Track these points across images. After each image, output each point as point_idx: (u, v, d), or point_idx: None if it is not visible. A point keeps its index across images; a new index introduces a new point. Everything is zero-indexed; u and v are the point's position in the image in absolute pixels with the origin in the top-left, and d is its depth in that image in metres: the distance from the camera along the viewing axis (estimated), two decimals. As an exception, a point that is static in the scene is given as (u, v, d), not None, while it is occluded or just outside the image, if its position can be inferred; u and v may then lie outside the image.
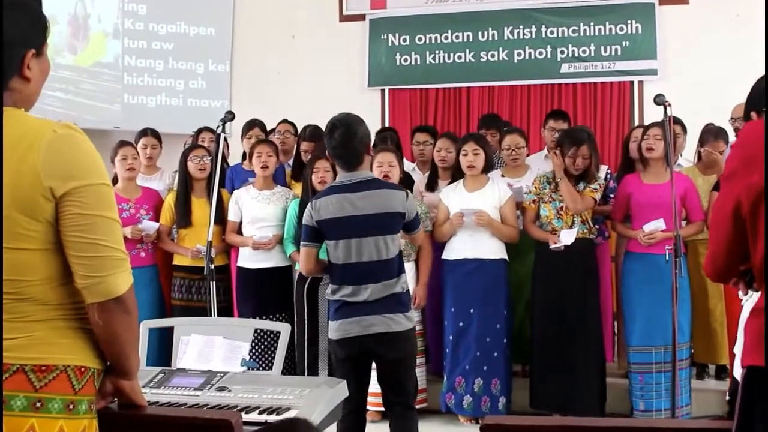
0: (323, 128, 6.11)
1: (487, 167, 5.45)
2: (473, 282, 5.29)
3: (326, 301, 5.34)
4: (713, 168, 5.65)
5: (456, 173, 5.57)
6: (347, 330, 3.83)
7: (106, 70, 9.08)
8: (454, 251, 5.37)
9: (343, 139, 3.81)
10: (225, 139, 6.54)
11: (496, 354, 5.31)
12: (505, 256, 5.37)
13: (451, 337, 5.37)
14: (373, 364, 4.03)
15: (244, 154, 6.37)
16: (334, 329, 3.90)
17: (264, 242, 5.53)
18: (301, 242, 3.99)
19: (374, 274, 3.80)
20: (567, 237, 5.15)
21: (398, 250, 3.90)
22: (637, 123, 8.08)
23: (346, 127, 3.83)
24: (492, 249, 5.34)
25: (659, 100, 4.79)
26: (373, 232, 3.79)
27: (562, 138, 5.39)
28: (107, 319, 1.91)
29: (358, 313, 3.81)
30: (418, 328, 5.30)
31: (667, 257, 4.74)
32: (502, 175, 5.83)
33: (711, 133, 5.72)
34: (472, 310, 5.30)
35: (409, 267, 5.05)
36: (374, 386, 4.14)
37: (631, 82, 8.56)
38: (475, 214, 5.22)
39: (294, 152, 6.50)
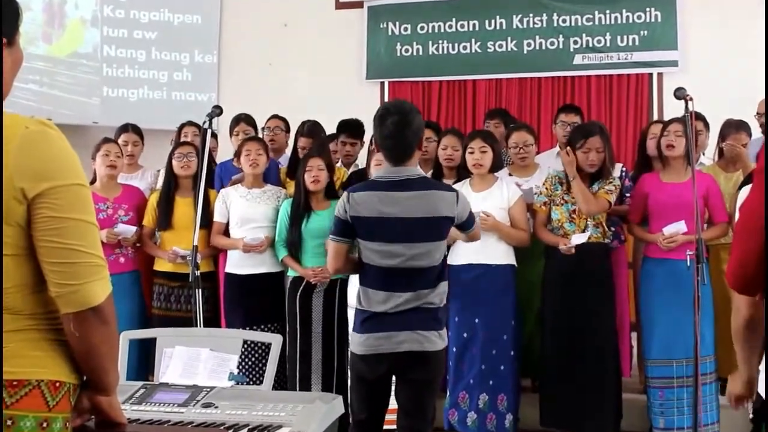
0: (322, 124, 6.19)
1: (496, 166, 5.44)
2: (478, 289, 5.27)
3: (320, 310, 5.37)
4: (737, 163, 5.65)
5: (461, 172, 5.56)
6: (375, 345, 3.72)
7: (83, 60, 9.10)
8: (458, 256, 5.35)
9: (397, 128, 3.68)
10: (214, 135, 6.56)
11: (502, 367, 5.29)
12: (514, 262, 5.36)
13: (454, 349, 5.34)
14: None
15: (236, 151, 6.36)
16: (358, 343, 3.78)
17: (256, 244, 5.52)
18: (331, 236, 3.89)
19: (410, 283, 3.70)
20: (577, 239, 5.15)
21: (443, 257, 3.80)
22: (656, 118, 8.08)
23: (401, 114, 3.70)
24: (499, 254, 5.32)
25: (680, 93, 4.78)
26: (418, 237, 3.68)
27: (572, 133, 5.42)
28: (84, 331, 1.90)
29: (387, 327, 3.70)
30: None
31: (688, 263, 4.73)
32: (510, 174, 5.83)
33: (732, 126, 5.73)
34: (477, 320, 5.28)
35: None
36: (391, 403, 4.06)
37: (650, 75, 8.58)
38: (479, 216, 5.20)
39: (285, 149, 6.51)
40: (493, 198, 5.33)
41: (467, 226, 3.92)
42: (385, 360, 3.73)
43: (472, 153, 5.32)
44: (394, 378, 3.89)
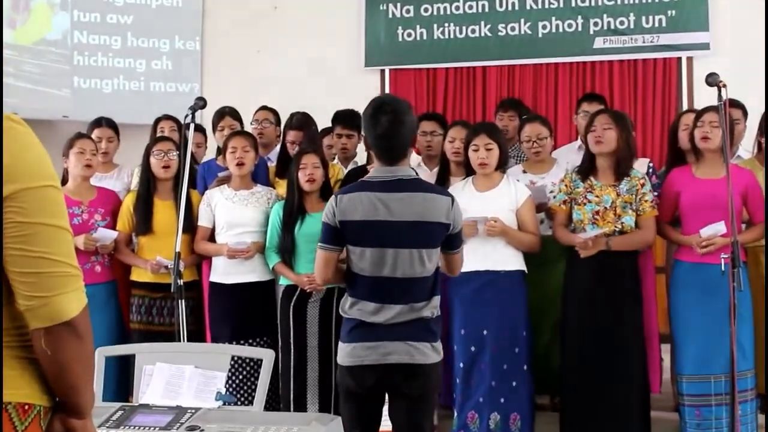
0: (317, 116, 6.18)
1: (501, 163, 5.42)
2: (485, 299, 5.26)
3: (316, 322, 5.36)
4: (776, 160, 5.63)
5: (471, 169, 5.55)
6: (361, 356, 3.76)
7: (52, 48, 9.09)
8: (461, 263, 5.34)
9: (391, 126, 3.72)
10: (202, 130, 6.55)
11: (514, 384, 5.28)
12: (524, 267, 5.34)
13: (461, 365, 5.34)
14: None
15: (219, 148, 6.34)
16: (345, 354, 3.83)
17: (241, 249, 5.50)
18: (319, 244, 3.90)
19: (403, 293, 3.74)
20: (592, 233, 5.13)
21: (435, 267, 3.84)
22: (685, 107, 8.09)
23: (396, 112, 3.74)
24: (507, 259, 5.30)
25: (712, 80, 4.77)
26: (410, 243, 3.72)
27: (590, 119, 5.43)
28: (56, 347, 1.89)
29: (376, 337, 3.74)
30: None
31: (723, 267, 4.72)
32: (524, 171, 5.83)
33: (772, 119, 5.70)
34: (485, 332, 5.27)
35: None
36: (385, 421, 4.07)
37: (679, 59, 8.58)
38: (487, 222, 5.19)
39: (275, 144, 6.50)
40: (500, 198, 5.31)
41: (455, 243, 3.92)
42: (372, 372, 3.77)
43: (476, 151, 5.31)
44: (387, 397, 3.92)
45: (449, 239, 3.86)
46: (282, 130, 6.28)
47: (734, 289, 4.70)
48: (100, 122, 6.50)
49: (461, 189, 5.41)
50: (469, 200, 5.29)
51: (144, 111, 8.24)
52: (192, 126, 5.23)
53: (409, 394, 3.79)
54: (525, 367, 5.30)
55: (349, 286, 3.88)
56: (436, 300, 3.85)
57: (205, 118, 6.99)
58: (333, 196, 3.86)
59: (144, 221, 5.64)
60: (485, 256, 5.25)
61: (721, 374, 5.05)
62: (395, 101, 3.84)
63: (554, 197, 5.46)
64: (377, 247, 3.72)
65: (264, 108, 6.64)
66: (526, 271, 5.36)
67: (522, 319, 5.31)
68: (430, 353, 3.78)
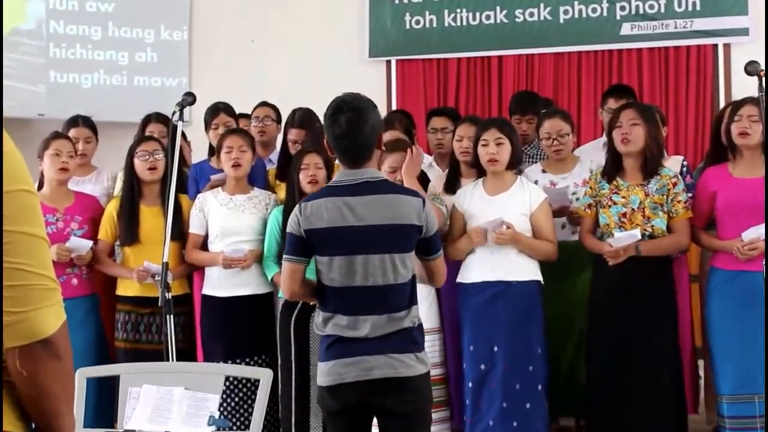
0: (315, 112, 6.19)
1: (514, 162, 5.41)
2: (496, 312, 5.25)
3: (319, 337, 5.36)
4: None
5: (484, 170, 5.53)
6: (341, 374, 3.80)
7: (25, 39, 9.10)
8: (471, 272, 5.33)
9: (351, 126, 3.80)
10: (183, 133, 6.52)
11: (528, 405, 5.26)
12: (539, 278, 5.32)
13: (470, 384, 5.33)
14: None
15: (211, 147, 6.32)
16: (324, 373, 3.87)
17: (238, 258, 5.51)
18: (284, 256, 3.97)
19: (378, 303, 3.79)
20: (622, 238, 5.09)
21: (411, 274, 3.88)
22: (722, 99, 8.08)
23: (356, 111, 3.83)
24: (520, 268, 5.29)
25: (752, 68, 4.77)
26: (380, 248, 3.78)
27: (614, 114, 5.41)
28: (32, 368, 1.89)
29: (356, 352, 3.79)
30: (439, 372, 5.28)
31: (765, 275, 4.70)
32: (543, 171, 5.82)
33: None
34: (495, 348, 5.26)
35: (426, 292, 5.05)
36: None
37: (714, 46, 8.55)
38: (494, 231, 5.17)
39: (276, 143, 6.49)
40: (512, 202, 5.30)
41: (431, 248, 3.97)
42: (354, 390, 3.80)
43: (485, 146, 5.30)
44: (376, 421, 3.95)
45: (424, 244, 3.92)
46: (283, 128, 6.26)
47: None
48: (76, 121, 6.45)
49: (470, 192, 5.41)
50: (478, 204, 5.30)
51: (127, 108, 8.27)
52: (180, 124, 5.22)
53: (398, 411, 3.82)
54: (540, 387, 5.28)
55: (320, 301, 3.94)
56: (416, 309, 3.90)
57: (194, 115, 6.98)
58: (297, 205, 3.94)
59: (129, 230, 5.64)
60: (496, 265, 5.24)
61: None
62: (356, 99, 3.90)
63: (578, 200, 5.46)
64: (346, 255, 3.79)
65: (264, 104, 6.64)
66: (542, 282, 5.34)
67: (537, 334, 5.30)
68: (414, 364, 3.81)
